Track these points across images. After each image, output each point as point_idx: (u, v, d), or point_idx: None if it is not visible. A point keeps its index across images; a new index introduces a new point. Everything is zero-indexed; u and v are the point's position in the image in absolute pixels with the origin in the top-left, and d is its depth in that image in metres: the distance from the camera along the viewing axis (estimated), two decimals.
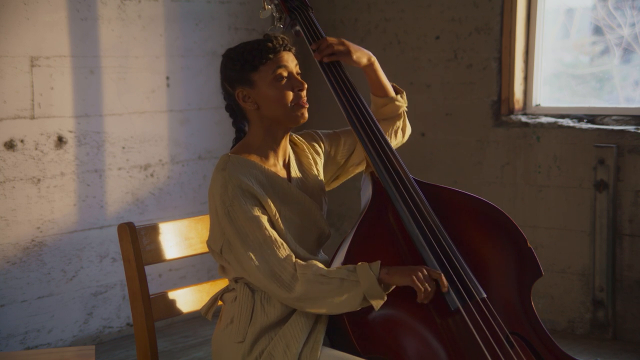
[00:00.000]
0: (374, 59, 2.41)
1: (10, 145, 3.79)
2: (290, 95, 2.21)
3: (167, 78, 4.36)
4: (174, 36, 4.37)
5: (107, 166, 4.13)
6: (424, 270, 2.09)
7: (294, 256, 2.13)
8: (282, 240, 2.14)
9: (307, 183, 2.32)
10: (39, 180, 3.88)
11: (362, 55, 2.38)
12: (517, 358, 2.14)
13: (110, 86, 4.12)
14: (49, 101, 3.90)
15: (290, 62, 2.22)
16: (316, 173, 2.37)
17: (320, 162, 2.40)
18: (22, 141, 3.82)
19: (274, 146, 2.26)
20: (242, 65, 2.19)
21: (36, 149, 3.87)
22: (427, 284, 2.07)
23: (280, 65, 2.19)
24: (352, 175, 2.52)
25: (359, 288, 2.05)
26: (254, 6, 4.67)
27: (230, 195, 2.13)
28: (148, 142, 4.29)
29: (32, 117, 3.85)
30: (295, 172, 2.31)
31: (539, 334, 2.22)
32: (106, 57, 4.10)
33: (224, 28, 4.59)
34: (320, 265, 2.12)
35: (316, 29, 2.42)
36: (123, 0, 4.15)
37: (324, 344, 2.15)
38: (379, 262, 2.08)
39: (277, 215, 2.18)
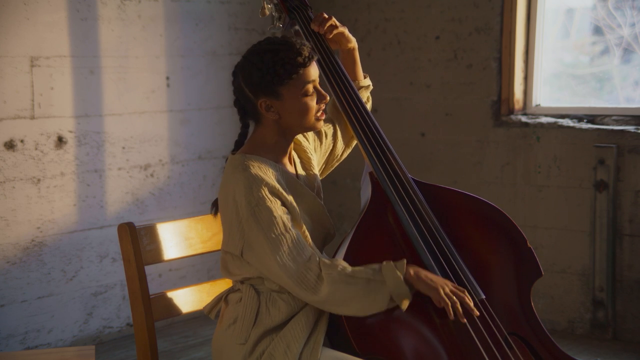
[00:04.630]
0: (355, 43, 2.51)
1: (10, 145, 3.79)
2: (315, 109, 2.21)
3: (167, 78, 4.36)
4: (174, 36, 4.37)
5: (107, 166, 4.13)
6: (450, 285, 2.09)
7: (317, 255, 2.12)
8: (304, 241, 2.13)
9: (309, 180, 2.33)
10: (39, 180, 3.88)
11: (350, 36, 2.48)
12: (516, 359, 2.14)
13: (110, 86, 4.12)
14: (49, 101, 3.90)
15: (315, 74, 2.21)
16: (314, 169, 2.37)
17: (315, 159, 2.41)
18: (22, 141, 3.82)
19: (285, 146, 2.25)
20: (272, 78, 2.15)
21: (36, 149, 3.87)
22: (454, 297, 2.06)
23: (309, 80, 2.18)
24: (340, 161, 2.55)
25: (385, 288, 2.04)
26: (254, 6, 4.67)
27: (256, 196, 2.11)
28: (148, 142, 4.29)
29: (32, 117, 3.85)
30: (300, 170, 2.32)
31: (538, 334, 2.22)
32: (106, 57, 4.10)
33: (224, 28, 4.59)
34: (345, 264, 2.10)
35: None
36: (123, 0, 4.15)
37: (324, 345, 2.15)
38: (404, 261, 2.08)
39: (299, 215, 2.17)
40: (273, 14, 2.52)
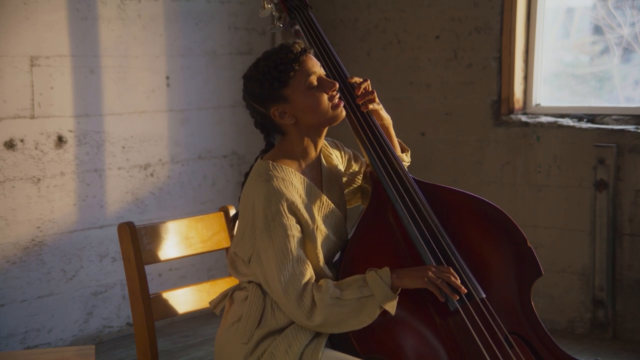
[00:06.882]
0: (390, 121, 2.40)
1: (10, 145, 3.79)
2: (326, 99, 2.19)
3: (167, 78, 4.36)
4: (173, 36, 4.37)
5: (107, 166, 4.13)
6: (433, 269, 2.10)
7: (313, 278, 2.12)
8: (307, 264, 2.12)
9: (334, 191, 2.31)
10: (39, 179, 3.88)
11: (384, 114, 2.38)
12: (516, 358, 2.14)
13: (110, 86, 4.12)
14: (49, 101, 3.90)
15: (315, 65, 2.19)
16: (340, 178, 2.36)
17: (342, 168, 2.40)
18: (22, 141, 3.82)
19: (313, 153, 2.24)
20: (272, 84, 2.15)
21: (36, 148, 3.87)
22: (440, 280, 2.08)
23: (309, 73, 2.17)
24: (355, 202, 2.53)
25: (374, 301, 2.06)
26: (254, 6, 4.67)
27: (274, 210, 2.10)
28: (148, 142, 4.29)
29: (32, 117, 3.85)
30: (326, 179, 2.30)
31: (538, 333, 2.22)
32: (106, 57, 4.10)
33: (224, 27, 4.59)
34: (333, 286, 2.10)
35: (315, 29, 2.43)
36: (123, 0, 4.15)
37: (325, 345, 2.15)
38: (387, 268, 2.09)
39: (316, 232, 2.17)
40: (273, 13, 2.52)
